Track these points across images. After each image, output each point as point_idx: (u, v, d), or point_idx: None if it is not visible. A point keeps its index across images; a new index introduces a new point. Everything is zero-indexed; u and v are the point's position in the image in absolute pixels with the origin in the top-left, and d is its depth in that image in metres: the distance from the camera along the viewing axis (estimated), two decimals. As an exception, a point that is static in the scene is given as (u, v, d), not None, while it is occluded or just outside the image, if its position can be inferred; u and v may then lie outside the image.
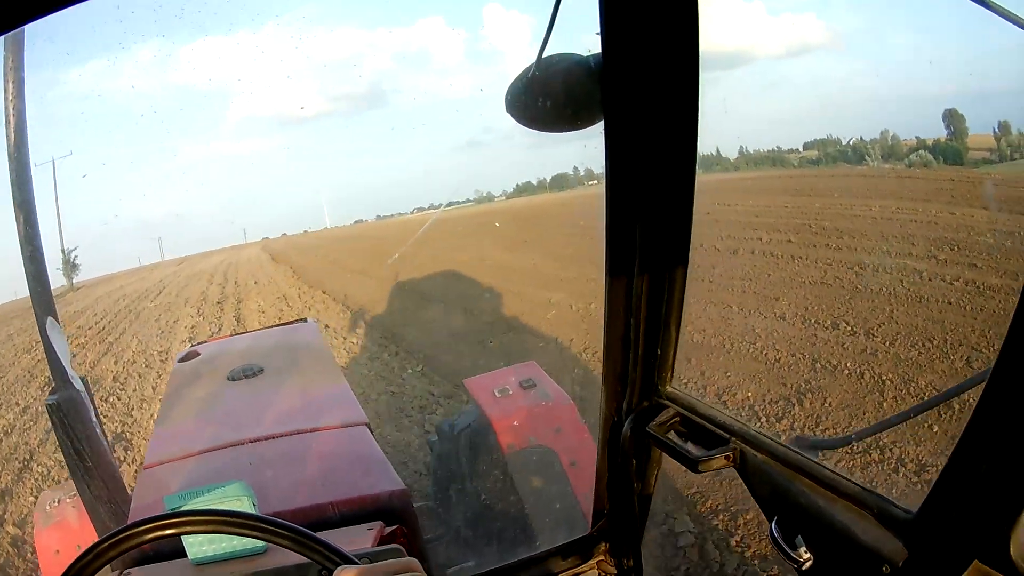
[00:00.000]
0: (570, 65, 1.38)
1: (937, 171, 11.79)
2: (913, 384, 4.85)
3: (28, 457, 7.24)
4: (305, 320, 5.36)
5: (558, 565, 2.07)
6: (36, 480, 6.22)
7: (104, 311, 17.00)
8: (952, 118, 12.44)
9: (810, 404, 4.78)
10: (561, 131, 1.41)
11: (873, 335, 5.75)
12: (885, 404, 4.69)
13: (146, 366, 9.95)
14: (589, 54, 1.37)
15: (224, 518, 1.19)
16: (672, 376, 1.64)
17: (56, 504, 2.93)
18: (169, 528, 1.18)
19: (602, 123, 1.41)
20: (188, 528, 1.21)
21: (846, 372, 5.23)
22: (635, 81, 1.33)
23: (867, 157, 14.82)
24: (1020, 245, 7.12)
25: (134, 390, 8.74)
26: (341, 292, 13.25)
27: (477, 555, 3.09)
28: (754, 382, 5.27)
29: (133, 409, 7.96)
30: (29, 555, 4.98)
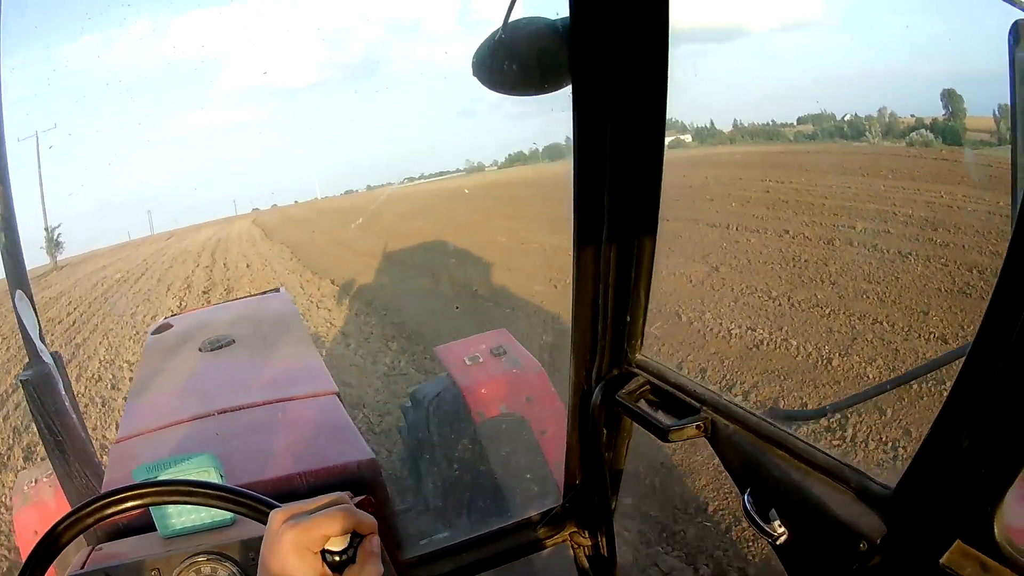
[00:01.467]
0: (538, 28, 1.37)
1: (958, 153, 11.26)
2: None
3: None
4: (278, 290, 5.33)
5: (530, 536, 2.08)
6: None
7: (80, 298, 15.90)
8: (950, 98, 12.33)
9: None
10: (527, 95, 1.40)
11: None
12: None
13: (112, 387, 8.19)
14: (557, 18, 1.36)
15: (150, 489, 1.18)
16: (642, 344, 1.63)
17: (33, 484, 2.88)
18: (108, 508, 1.17)
19: (570, 88, 1.39)
20: (128, 504, 1.18)
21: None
22: (603, 45, 1.32)
23: (867, 133, 14.75)
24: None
25: (94, 427, 6.78)
26: (355, 284, 11.31)
27: (449, 526, 3.09)
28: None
29: (92, 455, 5.89)
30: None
